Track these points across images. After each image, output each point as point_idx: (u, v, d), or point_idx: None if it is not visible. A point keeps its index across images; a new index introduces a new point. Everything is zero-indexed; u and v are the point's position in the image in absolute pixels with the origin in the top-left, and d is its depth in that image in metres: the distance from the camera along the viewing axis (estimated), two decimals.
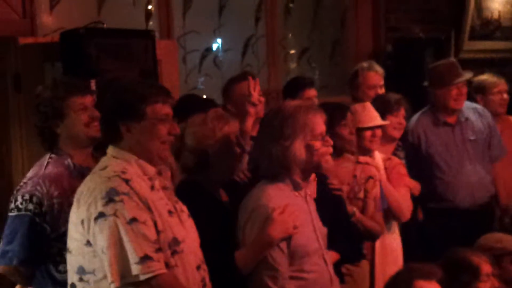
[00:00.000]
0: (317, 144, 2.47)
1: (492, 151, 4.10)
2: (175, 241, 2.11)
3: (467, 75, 3.98)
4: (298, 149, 2.44)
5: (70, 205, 2.43)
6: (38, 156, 2.75)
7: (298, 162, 2.45)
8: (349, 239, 2.87)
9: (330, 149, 2.55)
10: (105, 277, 2.03)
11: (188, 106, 3.08)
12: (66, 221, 2.29)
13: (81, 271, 2.08)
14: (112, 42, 3.41)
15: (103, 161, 2.18)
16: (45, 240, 2.45)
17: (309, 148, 2.45)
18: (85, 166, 2.60)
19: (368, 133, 3.26)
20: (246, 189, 2.76)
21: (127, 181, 2.06)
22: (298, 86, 3.92)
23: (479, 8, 6.16)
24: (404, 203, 3.30)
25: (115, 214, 1.99)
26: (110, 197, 2.01)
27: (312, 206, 2.59)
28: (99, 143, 2.60)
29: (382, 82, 4.15)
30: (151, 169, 2.18)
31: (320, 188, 2.68)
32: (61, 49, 3.40)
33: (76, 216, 2.09)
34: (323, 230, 2.59)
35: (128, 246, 1.98)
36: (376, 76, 4.14)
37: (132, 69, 3.44)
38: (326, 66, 5.53)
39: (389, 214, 3.27)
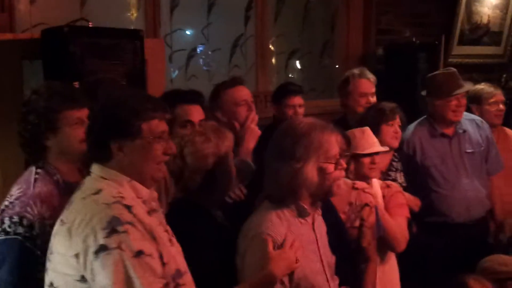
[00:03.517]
0: (330, 167, 2.27)
1: (489, 164, 3.98)
2: (178, 274, 1.91)
3: (468, 86, 3.85)
4: (311, 172, 2.24)
5: None
6: (13, 165, 2.52)
7: (309, 186, 2.25)
8: (350, 265, 2.71)
9: (343, 173, 2.37)
10: None
11: (176, 100, 2.87)
12: None
13: None
14: (98, 41, 3.18)
15: (91, 182, 1.93)
16: (36, 266, 2.18)
17: (321, 171, 2.25)
18: (73, 182, 2.36)
19: (367, 160, 3.08)
20: (242, 207, 2.59)
21: (129, 208, 1.84)
22: (284, 92, 3.77)
23: (469, 12, 6.08)
24: (400, 233, 3.11)
25: (119, 247, 1.75)
26: (113, 228, 1.76)
27: (320, 234, 2.40)
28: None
29: (373, 90, 3.99)
30: (145, 192, 1.96)
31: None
32: (42, 47, 3.17)
33: (66, 248, 1.83)
34: (330, 259, 2.41)
35: (136, 283, 1.75)
36: (367, 83, 3.98)
37: (119, 70, 3.23)
38: (315, 68, 5.38)
39: (384, 244, 3.08)
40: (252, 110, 3.25)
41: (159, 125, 1.95)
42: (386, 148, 3.25)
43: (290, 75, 5.18)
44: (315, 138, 2.24)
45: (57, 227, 1.91)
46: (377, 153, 3.13)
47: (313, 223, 2.37)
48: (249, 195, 2.74)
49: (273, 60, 5.06)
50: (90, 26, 3.25)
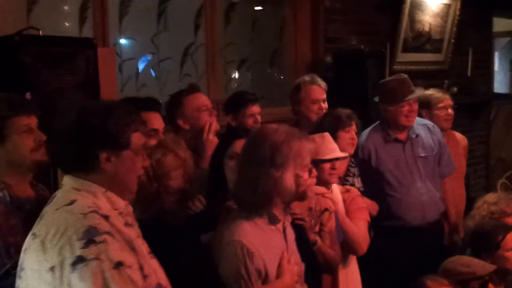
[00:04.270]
0: (306, 174, 2.30)
1: (442, 167, 4.05)
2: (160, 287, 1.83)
3: (419, 91, 3.92)
4: (289, 179, 2.25)
5: (6, 245, 2.13)
6: None
7: (286, 193, 2.26)
8: (312, 270, 2.70)
9: (315, 180, 2.42)
10: None
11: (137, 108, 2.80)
12: (1, 265, 2.02)
13: None
14: (49, 50, 3.07)
15: (63, 194, 1.85)
16: None
17: (297, 179, 2.27)
18: (23, 197, 2.28)
19: (327, 166, 3.08)
20: (204, 218, 2.55)
21: (106, 218, 1.76)
22: (242, 101, 3.72)
23: (412, 20, 6.22)
24: (361, 237, 3.15)
25: (97, 258, 1.66)
26: (90, 238, 1.68)
27: (290, 240, 2.41)
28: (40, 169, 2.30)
29: (325, 96, 4.02)
30: (122, 203, 1.88)
31: None
32: None
33: (39, 262, 1.73)
34: (300, 266, 2.41)
35: None
36: (319, 90, 4.00)
37: (72, 80, 3.13)
38: (265, 76, 5.37)
39: (346, 247, 3.10)
40: (213, 115, 3.22)
41: (141, 138, 1.91)
42: (346, 154, 3.26)
43: (238, 84, 5.14)
44: (294, 146, 2.25)
45: (27, 241, 1.81)
46: (337, 159, 3.14)
47: (284, 230, 2.36)
48: (208, 205, 2.71)
49: (224, 69, 5.02)
50: (40, 35, 3.13)
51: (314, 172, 2.34)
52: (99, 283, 1.65)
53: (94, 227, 1.71)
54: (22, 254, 1.83)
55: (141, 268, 1.76)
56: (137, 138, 1.88)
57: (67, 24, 4.03)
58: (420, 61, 6.52)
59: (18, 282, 1.81)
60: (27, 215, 2.25)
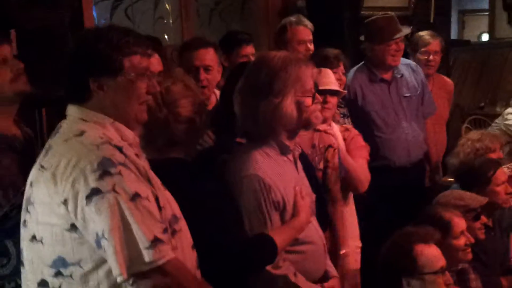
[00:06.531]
0: (308, 100, 2.24)
1: (423, 107, 4.08)
2: (174, 219, 1.78)
3: (406, 30, 3.90)
4: (290, 106, 2.19)
5: (3, 187, 2.04)
6: None
7: (288, 121, 2.21)
8: (319, 204, 2.69)
9: (319, 106, 2.35)
10: (95, 268, 1.66)
11: None
12: None
13: (60, 263, 1.67)
14: None
15: (70, 125, 1.75)
16: None
17: (299, 105, 2.21)
18: (10, 135, 2.18)
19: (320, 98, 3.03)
20: (214, 152, 2.50)
21: (120, 149, 1.69)
22: (235, 41, 3.62)
23: None
24: (363, 174, 3.15)
25: (114, 190, 1.60)
26: (105, 169, 1.61)
27: (301, 171, 2.38)
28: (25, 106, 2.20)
29: (311, 37, 3.96)
30: (130, 134, 1.80)
31: None
32: None
33: (50, 195, 1.66)
34: (312, 196, 2.39)
35: (135, 228, 1.61)
36: (305, 30, 3.94)
37: (58, 18, 2.96)
38: (237, 21, 5.26)
39: (347, 185, 3.10)
40: None
41: (142, 61, 1.78)
42: (339, 89, 3.22)
43: (214, 27, 5.02)
44: (292, 71, 2.19)
45: (34, 174, 1.74)
46: (330, 93, 3.08)
47: (295, 161, 2.33)
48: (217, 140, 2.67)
49: (197, 12, 4.89)
50: None
51: (318, 98, 2.28)
52: (116, 215, 1.60)
53: (108, 158, 1.64)
54: (28, 188, 1.76)
55: (156, 199, 1.71)
56: (134, 62, 1.75)
57: None
58: (385, 6, 6.49)
59: (27, 217, 1.75)
60: (20, 156, 2.16)
